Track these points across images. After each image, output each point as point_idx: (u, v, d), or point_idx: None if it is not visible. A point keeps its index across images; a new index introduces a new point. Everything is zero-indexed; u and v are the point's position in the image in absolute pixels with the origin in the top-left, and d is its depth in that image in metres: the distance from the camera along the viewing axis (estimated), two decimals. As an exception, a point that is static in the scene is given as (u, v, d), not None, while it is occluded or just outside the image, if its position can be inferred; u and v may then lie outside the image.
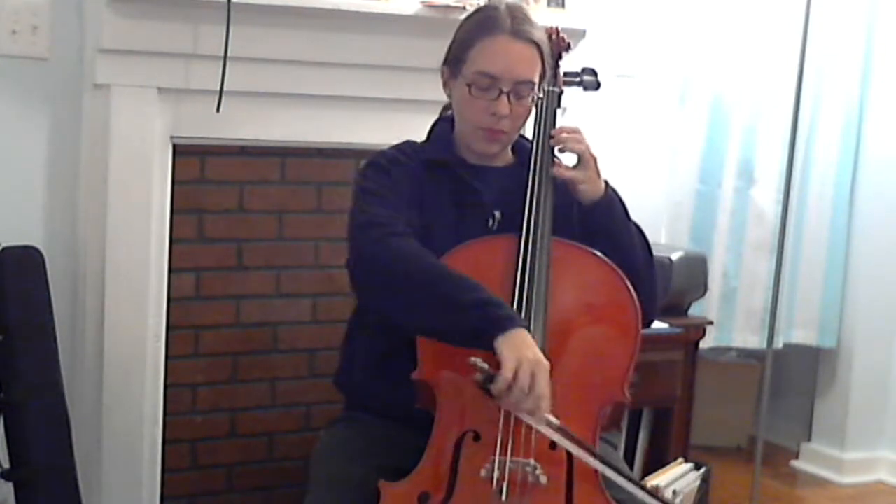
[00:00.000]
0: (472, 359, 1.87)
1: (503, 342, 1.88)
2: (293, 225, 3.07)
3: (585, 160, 2.17)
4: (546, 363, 1.89)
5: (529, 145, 2.23)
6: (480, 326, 1.90)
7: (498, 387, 1.85)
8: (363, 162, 2.27)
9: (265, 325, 3.08)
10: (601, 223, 2.17)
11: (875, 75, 3.97)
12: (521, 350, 1.87)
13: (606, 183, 2.20)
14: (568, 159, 2.22)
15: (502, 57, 2.13)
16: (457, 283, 1.97)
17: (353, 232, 2.09)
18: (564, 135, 2.19)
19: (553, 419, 1.91)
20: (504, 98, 2.13)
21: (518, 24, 2.15)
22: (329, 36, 2.94)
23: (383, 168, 2.19)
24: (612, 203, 2.19)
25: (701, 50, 3.83)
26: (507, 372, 1.85)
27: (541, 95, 2.19)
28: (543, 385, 1.87)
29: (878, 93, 3.98)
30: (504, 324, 1.90)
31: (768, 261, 3.81)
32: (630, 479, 2.01)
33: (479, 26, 2.18)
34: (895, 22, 3.94)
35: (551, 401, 1.89)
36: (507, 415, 1.93)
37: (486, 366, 1.87)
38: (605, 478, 2.00)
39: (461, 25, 2.23)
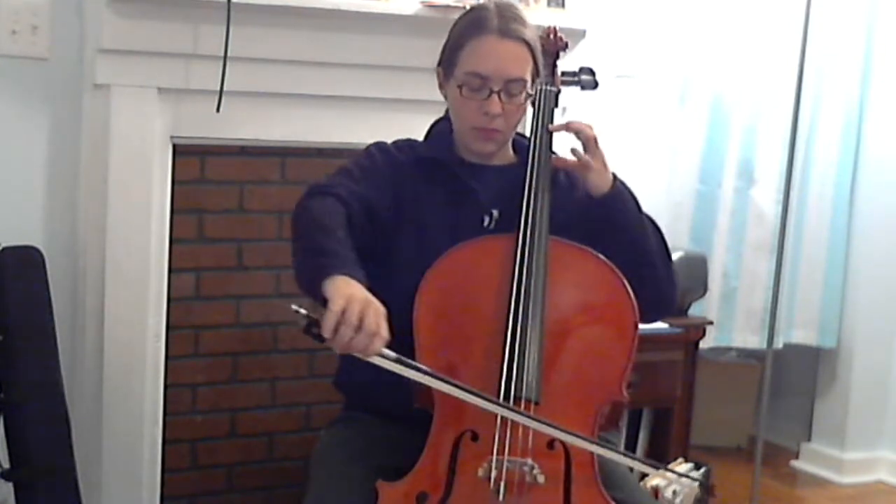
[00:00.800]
0: (294, 305, 1.83)
1: (330, 285, 1.85)
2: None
3: (593, 147, 2.16)
4: (378, 304, 1.85)
5: (528, 144, 2.23)
6: (315, 273, 1.89)
7: (327, 324, 1.79)
8: None
9: (265, 325, 3.09)
10: (613, 216, 2.16)
11: (875, 75, 3.98)
12: (347, 289, 1.84)
13: (615, 176, 2.19)
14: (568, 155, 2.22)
15: (491, 57, 2.14)
16: (314, 234, 1.99)
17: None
18: (575, 121, 2.19)
19: (390, 353, 1.85)
20: (495, 97, 2.13)
21: (506, 23, 2.15)
22: (329, 36, 2.95)
23: (369, 154, 2.23)
24: (622, 195, 2.18)
25: (701, 50, 3.83)
26: (334, 306, 1.80)
27: (531, 93, 2.19)
28: (373, 321, 1.82)
29: (878, 93, 3.98)
30: (330, 269, 1.88)
31: (768, 261, 3.81)
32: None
33: (468, 27, 2.19)
34: (895, 22, 3.94)
35: (386, 340, 1.84)
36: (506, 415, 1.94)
37: (305, 311, 1.81)
38: (604, 477, 2.00)
39: (453, 27, 2.24)
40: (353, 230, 2.04)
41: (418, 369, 1.90)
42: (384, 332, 1.84)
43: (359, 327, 1.81)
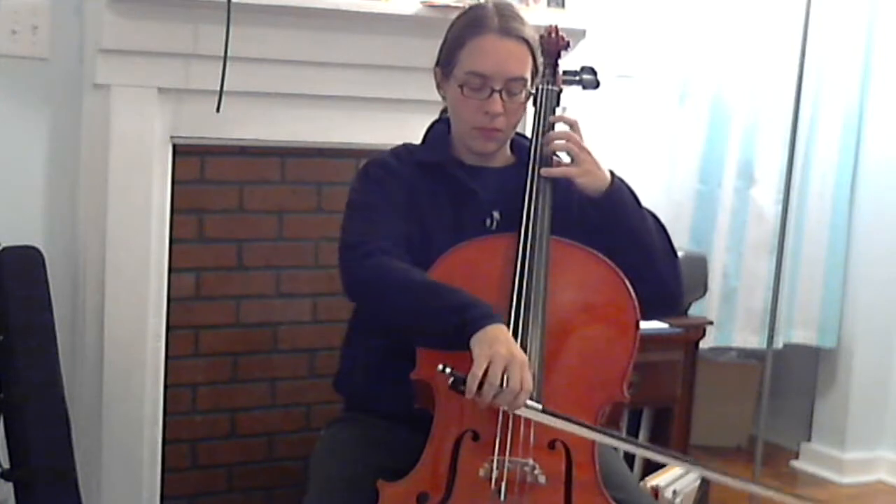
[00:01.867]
0: (440, 366, 1.87)
1: (476, 340, 1.88)
2: (293, 225, 3.07)
3: (576, 154, 2.16)
4: (521, 357, 1.88)
5: (529, 144, 2.23)
6: (457, 329, 1.91)
7: (469, 386, 1.85)
8: (360, 165, 2.27)
9: (265, 325, 3.09)
10: (612, 214, 2.16)
11: (875, 75, 3.98)
12: (492, 346, 1.86)
13: (612, 173, 2.19)
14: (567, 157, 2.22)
15: (492, 56, 2.14)
16: (432, 291, 1.99)
17: (340, 251, 2.13)
18: (552, 138, 2.19)
19: (536, 405, 1.90)
20: (496, 96, 2.13)
21: (506, 22, 2.15)
22: (329, 36, 2.95)
23: (376, 179, 2.20)
24: (620, 192, 2.17)
25: (701, 50, 3.83)
26: (476, 369, 1.84)
27: (533, 91, 2.19)
28: (516, 379, 1.85)
29: (878, 93, 3.98)
30: (477, 323, 1.89)
31: (768, 261, 3.81)
32: (632, 443, 2.02)
33: (468, 26, 2.18)
34: (895, 22, 3.94)
35: (531, 393, 1.88)
36: (507, 414, 1.93)
37: (450, 369, 1.87)
38: (604, 477, 2.00)
39: (451, 26, 2.24)
40: None
41: (567, 419, 1.93)
42: (528, 385, 1.87)
43: (501, 386, 1.84)
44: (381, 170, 2.21)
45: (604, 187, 2.16)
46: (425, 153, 2.26)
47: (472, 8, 2.28)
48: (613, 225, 2.15)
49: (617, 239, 2.14)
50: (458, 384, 1.86)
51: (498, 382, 1.84)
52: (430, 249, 2.10)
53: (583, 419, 1.98)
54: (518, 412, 1.90)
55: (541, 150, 2.20)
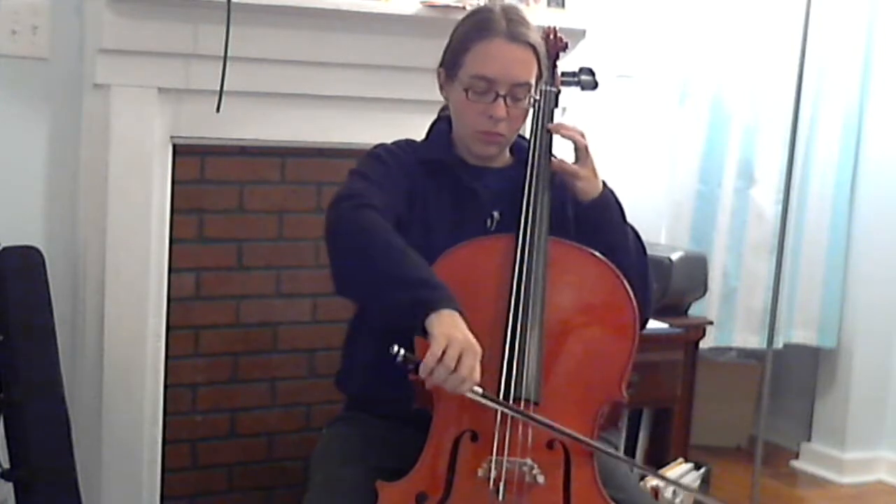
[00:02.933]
0: (393, 347, 1.86)
1: (434, 321, 1.87)
2: (293, 225, 3.07)
3: (584, 156, 2.17)
4: (477, 347, 1.88)
5: (527, 145, 2.23)
6: (414, 305, 1.90)
7: (425, 364, 1.84)
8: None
9: (265, 325, 3.09)
10: (596, 223, 2.17)
11: (875, 75, 3.98)
12: (451, 329, 1.86)
13: (604, 184, 2.20)
14: (567, 157, 2.22)
15: (498, 60, 2.13)
16: (401, 260, 1.96)
17: (331, 203, 2.10)
18: (569, 126, 2.20)
19: (479, 389, 1.89)
20: (501, 101, 2.13)
21: (514, 27, 2.15)
22: (329, 36, 2.95)
23: (380, 158, 2.20)
24: (608, 203, 2.19)
25: (701, 50, 3.83)
26: (436, 348, 1.84)
27: (537, 97, 2.19)
28: (468, 367, 1.85)
29: (878, 93, 3.98)
30: (435, 304, 1.89)
31: (768, 261, 3.81)
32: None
33: (475, 29, 2.18)
34: (895, 22, 3.94)
35: (475, 382, 1.88)
36: (505, 415, 1.94)
37: (402, 351, 1.86)
38: (602, 476, 2.00)
39: (457, 28, 2.23)
40: None
41: (502, 404, 1.94)
42: (476, 376, 1.87)
43: (454, 370, 1.84)
44: (389, 155, 2.21)
45: (594, 195, 2.17)
46: (428, 151, 2.27)
47: (479, 10, 2.28)
48: (593, 233, 2.16)
49: (594, 248, 2.15)
50: (411, 362, 1.86)
51: (451, 366, 1.84)
52: (431, 247, 2.10)
53: (581, 419, 2.00)
54: (468, 395, 1.89)
55: (541, 150, 2.20)
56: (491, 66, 2.13)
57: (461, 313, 1.90)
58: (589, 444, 1.99)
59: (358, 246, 2.00)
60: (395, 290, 1.93)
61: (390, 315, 1.96)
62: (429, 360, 1.84)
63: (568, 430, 1.97)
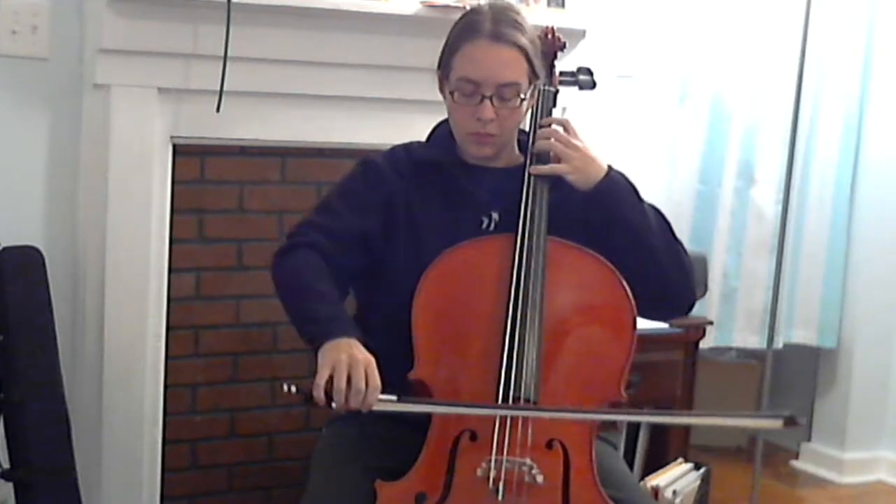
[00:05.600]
0: (285, 385, 1.91)
1: (321, 352, 1.94)
2: (293, 225, 3.07)
3: (561, 153, 2.16)
4: (363, 356, 1.92)
5: (527, 145, 2.23)
6: (310, 339, 1.99)
7: (315, 396, 1.89)
8: None
9: (265, 325, 3.09)
10: (607, 208, 2.14)
11: (875, 75, 3.98)
12: (331, 354, 1.92)
13: (610, 168, 2.17)
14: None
15: (481, 62, 2.12)
16: (293, 297, 2.09)
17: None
18: (539, 137, 2.20)
19: (390, 397, 1.93)
20: (487, 103, 2.12)
21: (498, 27, 2.13)
22: (329, 36, 2.95)
23: (355, 176, 2.25)
24: (615, 184, 2.15)
25: (701, 50, 3.83)
26: (318, 378, 1.89)
27: (524, 96, 2.16)
28: (359, 378, 1.89)
29: (878, 93, 3.98)
30: (318, 338, 1.96)
31: (768, 261, 3.81)
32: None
33: (462, 31, 2.18)
34: (895, 22, 3.94)
35: (377, 388, 1.91)
36: (504, 415, 1.93)
37: (295, 387, 1.91)
38: (601, 476, 2.00)
39: (451, 30, 2.23)
40: (337, 269, 2.11)
41: (420, 402, 1.97)
42: (374, 382, 1.91)
43: (349, 388, 1.88)
44: (368, 170, 2.24)
45: (595, 181, 2.14)
46: (427, 151, 2.27)
47: (469, 12, 2.27)
48: (611, 221, 2.14)
49: (616, 238, 2.13)
50: (308, 399, 1.90)
51: (343, 386, 1.88)
52: (423, 250, 2.10)
53: (580, 421, 2.00)
54: (377, 408, 1.92)
55: (533, 149, 2.20)
56: (474, 68, 2.13)
57: (355, 337, 1.96)
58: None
59: (278, 291, 2.15)
60: (303, 330, 2.04)
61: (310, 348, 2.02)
62: (316, 391, 1.88)
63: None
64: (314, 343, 1.96)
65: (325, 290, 2.06)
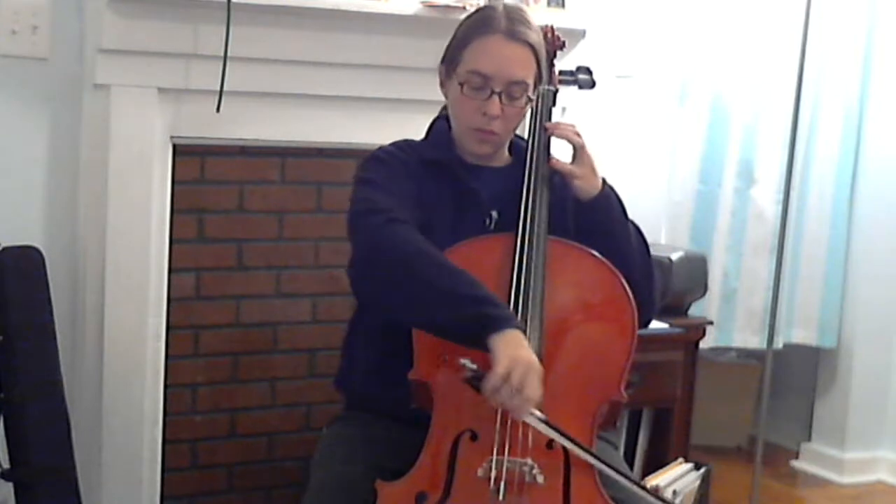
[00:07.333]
0: (462, 360, 1.87)
1: (498, 340, 1.87)
2: (293, 225, 3.07)
3: (581, 154, 2.17)
4: (539, 367, 1.88)
5: (526, 145, 2.23)
6: (478, 323, 1.89)
7: (490, 384, 1.84)
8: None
9: (265, 325, 3.09)
10: (597, 221, 2.17)
11: (875, 75, 3.98)
12: (516, 350, 1.86)
13: (604, 181, 2.20)
14: (565, 156, 2.22)
15: (495, 57, 2.13)
16: (457, 278, 1.96)
17: (354, 220, 2.08)
18: (563, 126, 2.19)
19: (539, 414, 1.90)
20: (495, 98, 2.13)
21: (513, 25, 2.15)
22: (329, 36, 2.95)
23: (382, 161, 2.20)
24: (608, 201, 2.19)
25: (701, 50, 3.83)
26: (501, 369, 1.84)
27: (532, 97, 2.18)
28: (533, 387, 1.86)
29: (878, 93, 3.98)
30: (501, 323, 1.89)
31: (768, 261, 3.81)
32: (625, 476, 2.02)
33: (475, 25, 2.19)
34: (895, 22, 3.94)
35: (539, 403, 1.89)
36: (505, 414, 1.93)
37: (475, 366, 1.87)
38: (602, 477, 2.01)
39: (459, 25, 2.24)
40: None
41: (564, 435, 1.94)
42: (538, 395, 1.88)
43: (519, 390, 1.84)
44: (392, 158, 2.21)
45: (594, 193, 2.16)
46: (429, 150, 2.27)
47: (482, 8, 2.28)
48: (597, 232, 2.16)
49: (595, 246, 2.14)
50: (476, 380, 1.86)
51: (517, 386, 1.84)
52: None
53: (580, 419, 2.01)
54: (523, 419, 1.90)
55: (539, 149, 2.20)
56: (487, 62, 2.13)
57: (524, 332, 1.91)
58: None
59: (406, 265, 1.97)
60: (457, 307, 1.92)
61: (449, 332, 1.95)
62: (494, 380, 1.84)
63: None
64: (489, 326, 1.87)
65: (468, 273, 1.97)
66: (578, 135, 2.19)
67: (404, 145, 2.27)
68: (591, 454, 1.98)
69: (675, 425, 3.38)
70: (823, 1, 3.70)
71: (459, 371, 1.88)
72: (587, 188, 2.16)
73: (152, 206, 2.85)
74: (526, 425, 1.94)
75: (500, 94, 2.13)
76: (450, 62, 2.20)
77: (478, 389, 1.88)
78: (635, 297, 2.11)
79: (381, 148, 2.25)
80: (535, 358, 1.88)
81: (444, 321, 1.94)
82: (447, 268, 1.97)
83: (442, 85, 2.25)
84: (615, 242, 2.16)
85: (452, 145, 2.25)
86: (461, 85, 2.16)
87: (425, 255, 1.98)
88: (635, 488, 2.03)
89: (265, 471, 3.12)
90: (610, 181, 2.22)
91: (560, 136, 2.19)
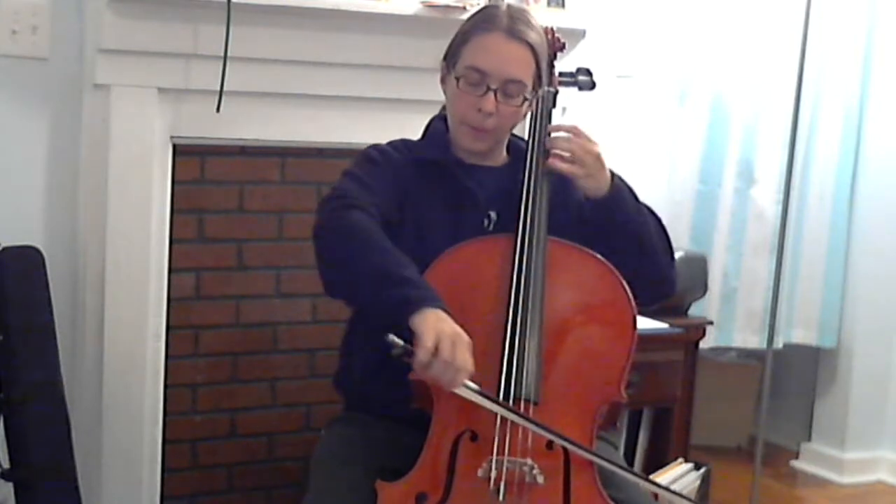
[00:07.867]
0: (389, 336, 1.87)
1: (420, 319, 1.88)
2: (293, 225, 3.07)
3: (580, 158, 2.15)
4: (467, 338, 1.89)
5: (524, 145, 2.23)
6: (400, 303, 1.90)
7: (420, 358, 1.84)
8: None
9: (265, 325, 3.09)
10: (613, 217, 2.15)
11: (875, 75, 3.98)
12: (438, 324, 1.87)
13: (612, 173, 2.17)
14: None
15: (494, 53, 2.14)
16: (386, 259, 1.97)
17: (319, 205, 2.11)
18: (556, 136, 2.18)
19: (473, 385, 1.90)
20: (491, 95, 2.13)
21: (515, 24, 2.15)
22: (329, 36, 2.95)
23: (372, 159, 2.21)
24: (620, 194, 2.16)
25: (701, 50, 3.83)
26: (428, 342, 1.84)
27: (528, 97, 2.18)
28: (464, 357, 1.87)
29: (878, 93, 3.98)
30: (421, 303, 1.90)
31: (768, 261, 3.81)
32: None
33: (477, 23, 2.20)
34: (895, 22, 3.94)
35: (471, 373, 1.89)
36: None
37: (401, 341, 1.87)
38: (602, 477, 2.00)
39: (463, 23, 2.24)
40: None
41: (498, 402, 1.93)
42: (470, 366, 1.88)
43: (450, 362, 1.85)
44: (381, 155, 2.22)
45: (605, 189, 2.15)
46: (425, 150, 2.27)
47: (485, 7, 2.29)
48: (613, 227, 2.15)
49: (617, 241, 2.15)
50: (407, 356, 1.86)
51: (448, 358, 1.85)
52: (426, 248, 2.10)
53: (580, 419, 2.01)
54: (457, 392, 1.90)
55: (539, 149, 2.19)
56: (485, 58, 2.14)
57: (447, 311, 1.91)
58: (585, 450, 1.98)
59: (344, 245, 2.00)
60: (381, 288, 1.94)
61: (376, 314, 1.98)
62: (423, 353, 1.84)
63: (562, 435, 1.96)
64: (411, 306, 1.88)
65: (405, 259, 1.98)
66: (569, 141, 2.14)
67: (400, 145, 2.27)
68: (563, 438, 1.96)
69: (675, 425, 3.38)
70: (823, 1, 3.69)
71: (390, 349, 1.87)
72: (595, 186, 2.14)
73: (152, 206, 2.85)
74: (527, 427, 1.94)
75: (495, 92, 2.13)
76: (450, 58, 2.21)
77: (409, 367, 1.88)
78: (659, 268, 2.16)
79: (375, 146, 2.26)
80: (460, 329, 1.88)
81: (370, 301, 1.97)
82: (381, 249, 1.98)
83: (442, 81, 2.25)
84: (636, 236, 2.16)
85: (449, 145, 2.25)
86: (458, 80, 2.16)
87: (365, 237, 1.99)
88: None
89: (265, 471, 3.12)
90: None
91: (558, 148, 2.17)
